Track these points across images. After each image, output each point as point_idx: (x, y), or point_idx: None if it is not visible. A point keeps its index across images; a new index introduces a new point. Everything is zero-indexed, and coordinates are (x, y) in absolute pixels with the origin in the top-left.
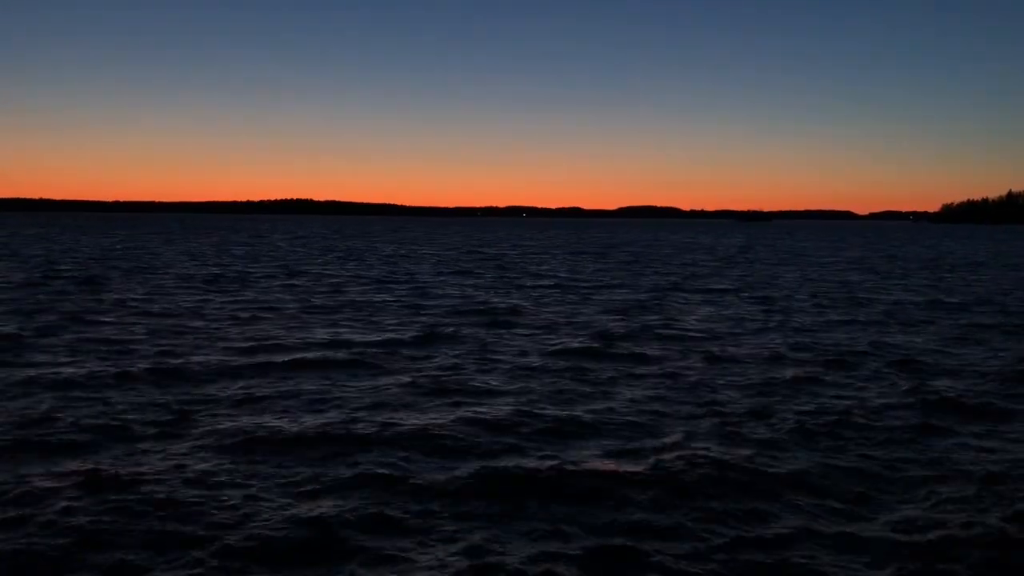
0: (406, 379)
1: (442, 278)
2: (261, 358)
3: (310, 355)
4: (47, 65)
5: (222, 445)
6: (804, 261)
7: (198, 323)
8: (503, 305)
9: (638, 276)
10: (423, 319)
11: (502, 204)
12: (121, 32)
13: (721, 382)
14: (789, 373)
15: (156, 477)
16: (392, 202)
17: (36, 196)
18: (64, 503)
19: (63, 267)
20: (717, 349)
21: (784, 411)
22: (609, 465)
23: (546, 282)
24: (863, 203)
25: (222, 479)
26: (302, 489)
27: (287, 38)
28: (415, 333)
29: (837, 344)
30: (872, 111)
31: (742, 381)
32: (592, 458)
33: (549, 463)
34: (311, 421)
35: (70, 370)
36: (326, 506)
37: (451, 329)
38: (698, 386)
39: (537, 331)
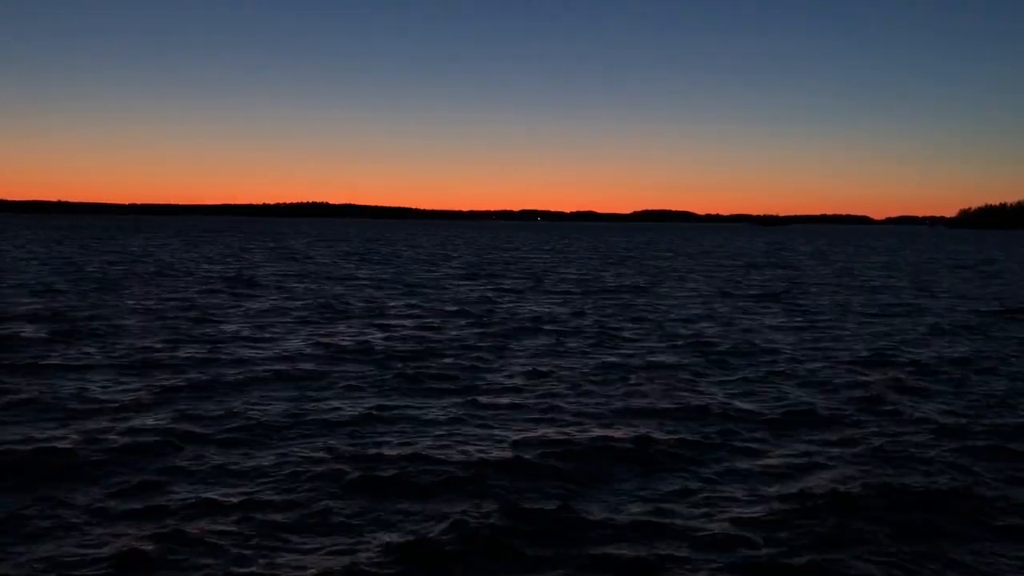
0: (453, 399)
1: (469, 283)
2: (285, 366)
3: (340, 367)
4: (60, 67)
5: (262, 468)
6: (833, 264)
7: (224, 327)
8: (538, 312)
9: (666, 281)
10: (459, 322)
11: (516, 208)
12: (133, 33)
13: (802, 394)
14: (872, 381)
15: (189, 504)
16: (408, 205)
17: (54, 199)
18: (100, 531)
19: (88, 271)
20: (784, 356)
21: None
22: (723, 501)
23: (575, 288)
24: (880, 208)
25: (265, 506)
26: (341, 518)
27: (295, 39)
28: (452, 342)
29: (919, 353)
30: (889, 115)
31: (823, 400)
32: (686, 488)
33: (632, 494)
34: (349, 443)
35: (97, 378)
36: (375, 536)
37: (489, 341)
38: (780, 399)
39: (582, 341)
